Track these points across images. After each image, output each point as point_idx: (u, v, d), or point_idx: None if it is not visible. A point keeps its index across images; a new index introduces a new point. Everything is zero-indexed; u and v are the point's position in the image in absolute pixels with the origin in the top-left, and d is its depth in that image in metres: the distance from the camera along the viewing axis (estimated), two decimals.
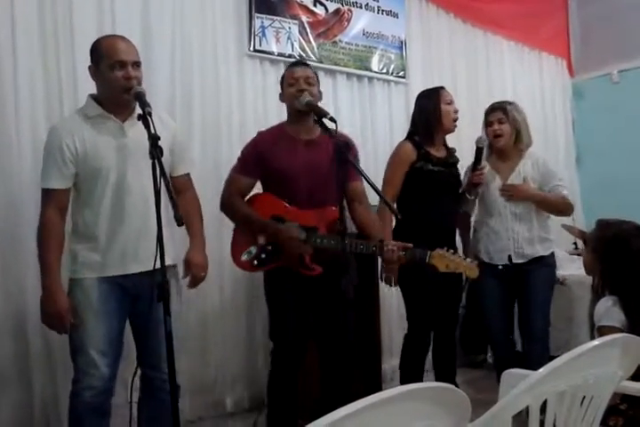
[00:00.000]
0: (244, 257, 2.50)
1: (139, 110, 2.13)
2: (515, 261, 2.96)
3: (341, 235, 2.16)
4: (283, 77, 2.59)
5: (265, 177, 2.55)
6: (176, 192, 2.22)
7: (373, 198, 2.65)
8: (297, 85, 2.48)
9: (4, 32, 2.62)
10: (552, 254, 3.05)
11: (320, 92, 2.59)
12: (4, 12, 2.62)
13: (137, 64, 2.15)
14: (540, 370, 1.22)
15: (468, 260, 2.42)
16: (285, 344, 2.48)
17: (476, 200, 3.08)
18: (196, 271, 2.33)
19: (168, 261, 1.95)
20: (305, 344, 2.50)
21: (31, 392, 2.63)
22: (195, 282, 2.36)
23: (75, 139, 2.09)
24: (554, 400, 1.25)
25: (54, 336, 2.19)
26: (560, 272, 3.45)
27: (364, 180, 2.31)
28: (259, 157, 2.51)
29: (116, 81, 2.09)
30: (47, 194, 2.11)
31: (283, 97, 2.58)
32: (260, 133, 2.63)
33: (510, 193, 2.95)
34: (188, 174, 2.41)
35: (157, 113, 2.14)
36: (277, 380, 2.52)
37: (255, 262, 2.49)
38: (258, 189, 2.62)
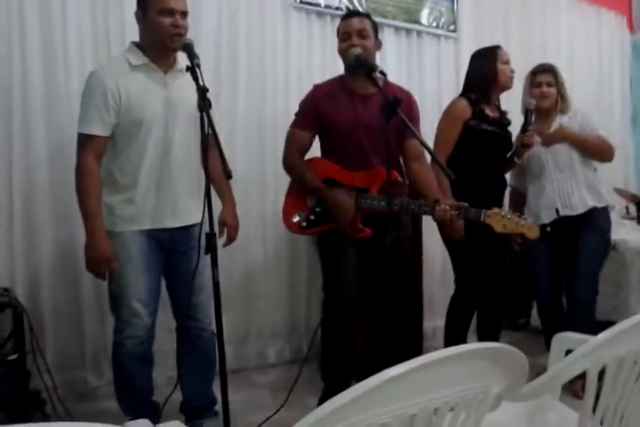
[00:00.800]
0: (296, 219, 2.51)
1: (180, 63, 2.12)
2: (562, 213, 2.88)
3: (389, 195, 2.13)
4: (338, 29, 2.52)
5: (322, 130, 2.51)
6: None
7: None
8: (350, 40, 2.41)
9: None
10: (605, 211, 2.94)
11: (379, 42, 2.52)
12: None
13: (185, 14, 2.11)
14: (601, 335, 1.18)
15: (529, 220, 2.31)
16: (337, 298, 2.48)
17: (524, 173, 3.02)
18: (230, 232, 2.36)
19: (198, 219, 1.94)
20: (356, 298, 2.49)
21: (83, 337, 2.73)
22: (230, 241, 2.39)
23: (119, 87, 2.04)
24: (613, 366, 1.20)
25: (104, 284, 2.22)
26: (612, 237, 3.35)
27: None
28: (316, 111, 2.47)
29: (164, 27, 2.05)
30: (87, 139, 2.05)
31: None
32: (316, 86, 2.58)
33: (548, 139, 2.88)
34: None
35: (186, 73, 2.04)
36: (331, 332, 2.53)
37: (304, 224, 2.50)
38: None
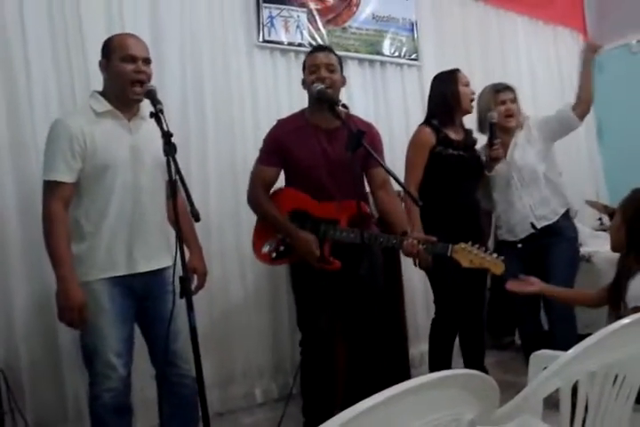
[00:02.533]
0: (265, 249, 2.52)
1: (144, 109, 2.15)
2: (539, 225, 2.94)
3: (360, 228, 2.17)
4: (304, 63, 2.56)
5: (287, 166, 2.54)
6: (167, 196, 2.22)
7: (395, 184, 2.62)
8: (317, 73, 2.45)
9: (15, 34, 2.64)
10: (568, 216, 3.02)
11: (344, 77, 2.58)
12: (13, 13, 2.63)
13: (147, 61, 2.15)
14: (570, 351, 1.20)
15: (494, 255, 2.32)
16: (314, 334, 2.48)
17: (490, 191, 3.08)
18: (200, 278, 2.36)
19: (169, 262, 1.95)
20: (334, 333, 2.50)
21: (63, 392, 2.66)
22: (200, 287, 2.37)
23: (84, 133, 2.04)
24: (585, 381, 1.23)
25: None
26: (585, 249, 3.40)
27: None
28: (280, 147, 2.50)
29: (125, 74, 2.09)
30: (52, 186, 2.03)
31: (304, 84, 2.54)
32: (279, 122, 2.62)
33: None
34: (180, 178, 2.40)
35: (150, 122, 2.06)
36: (311, 370, 2.52)
37: (274, 255, 2.51)
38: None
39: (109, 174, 2.08)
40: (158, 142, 1.91)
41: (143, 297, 2.17)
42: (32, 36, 2.67)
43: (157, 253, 2.17)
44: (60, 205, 2.03)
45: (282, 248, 2.50)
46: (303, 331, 2.54)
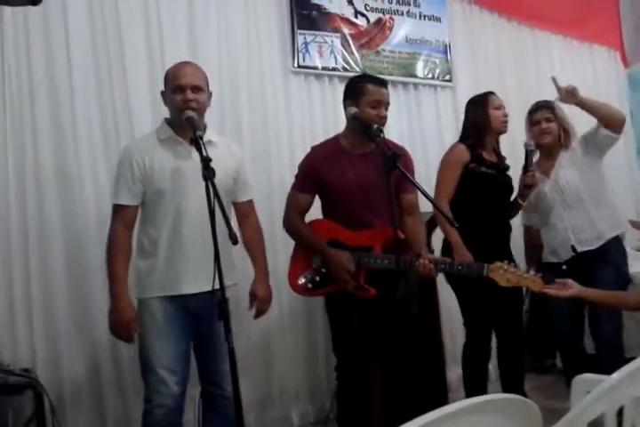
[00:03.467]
0: (301, 280, 2.54)
1: (209, 134, 2.26)
2: (580, 249, 2.85)
3: (397, 253, 2.16)
4: (360, 89, 2.46)
5: (321, 192, 2.57)
6: (239, 218, 2.40)
7: (426, 205, 2.62)
8: (379, 110, 2.43)
9: (61, 65, 2.74)
10: (618, 244, 2.91)
11: None
12: (59, 45, 2.74)
13: (197, 88, 2.22)
14: (614, 375, 1.18)
15: (531, 272, 2.30)
16: (350, 360, 2.47)
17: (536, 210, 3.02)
18: (260, 305, 2.40)
19: (228, 282, 2.01)
20: (369, 360, 2.49)
21: (103, 413, 2.70)
22: (259, 314, 2.43)
23: (145, 159, 2.19)
24: (630, 406, 1.20)
25: (124, 357, 2.25)
26: (628, 269, 3.31)
27: (417, 190, 2.28)
28: (313, 173, 2.53)
29: (175, 104, 2.20)
30: (116, 209, 2.21)
31: (352, 110, 2.43)
32: (313, 148, 2.65)
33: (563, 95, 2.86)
34: (250, 201, 2.48)
35: (225, 140, 2.42)
36: (346, 395, 2.51)
37: (310, 286, 2.52)
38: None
39: (166, 198, 2.18)
40: (225, 167, 2.10)
41: (197, 316, 2.22)
42: (77, 68, 2.78)
43: (207, 275, 2.20)
44: (121, 227, 2.20)
45: (318, 278, 2.51)
46: (339, 357, 2.53)
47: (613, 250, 2.88)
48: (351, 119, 2.43)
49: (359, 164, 2.50)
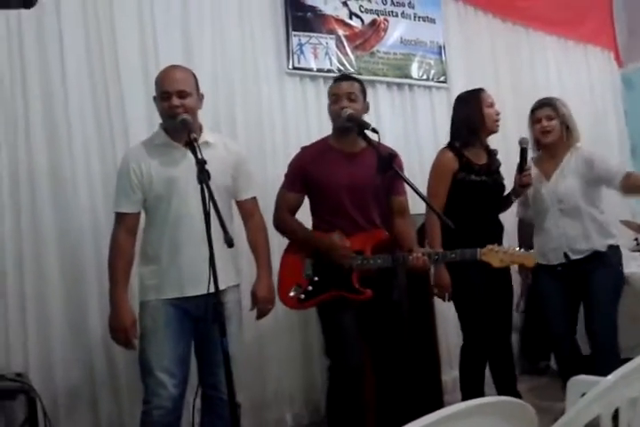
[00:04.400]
0: (292, 293, 2.51)
1: (204, 136, 2.27)
2: (572, 257, 2.85)
3: (393, 251, 2.20)
4: (329, 92, 2.61)
5: (310, 191, 2.58)
6: (244, 217, 2.42)
7: (420, 206, 2.63)
8: (339, 102, 2.49)
9: (55, 67, 2.74)
10: (614, 250, 2.88)
11: (367, 104, 2.60)
12: (53, 48, 2.74)
13: (183, 93, 2.21)
14: (609, 377, 1.17)
15: (522, 250, 2.33)
16: (343, 361, 2.46)
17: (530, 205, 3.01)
18: (262, 306, 2.39)
19: (229, 283, 2.06)
20: (362, 360, 2.48)
21: (98, 417, 2.69)
22: (261, 315, 2.43)
23: (141, 166, 2.20)
24: (626, 408, 1.19)
25: (119, 361, 2.25)
26: (623, 270, 3.32)
27: (410, 191, 2.28)
28: (303, 172, 2.55)
29: (163, 110, 2.23)
30: (117, 217, 2.25)
31: (347, 111, 2.52)
32: (303, 148, 2.66)
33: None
34: (254, 198, 2.48)
35: (222, 139, 2.40)
36: (338, 397, 2.50)
37: (302, 297, 2.50)
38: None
39: (164, 203, 2.20)
40: (222, 168, 2.13)
41: (198, 319, 2.22)
42: (71, 69, 2.77)
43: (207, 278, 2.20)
44: (122, 234, 2.23)
45: (310, 288, 2.49)
46: (332, 359, 2.52)
47: (609, 252, 2.87)
48: (346, 120, 2.42)
49: (349, 163, 2.51)
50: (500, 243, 2.89)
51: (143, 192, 2.22)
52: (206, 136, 2.28)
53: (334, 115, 2.52)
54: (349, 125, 2.43)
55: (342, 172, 2.49)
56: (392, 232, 2.50)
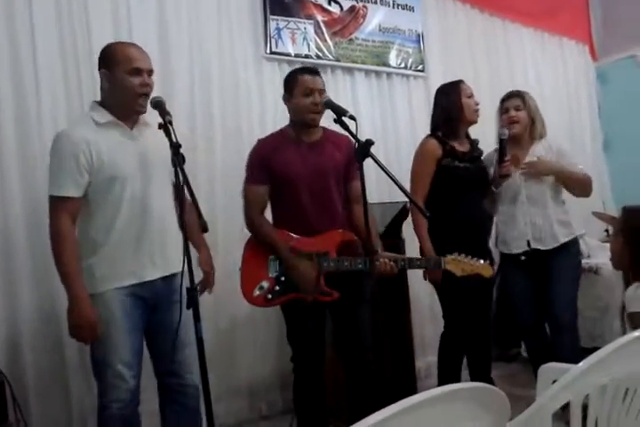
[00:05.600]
0: (257, 292, 2.46)
1: (144, 116, 2.17)
2: (533, 246, 2.90)
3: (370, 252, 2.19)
4: (292, 81, 2.51)
5: (272, 182, 2.50)
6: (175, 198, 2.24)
7: (398, 195, 2.62)
8: (313, 98, 2.44)
9: (25, 47, 2.67)
10: (575, 241, 2.97)
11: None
12: (23, 26, 2.67)
13: (151, 72, 2.15)
14: (580, 364, 1.19)
15: (480, 261, 2.41)
16: (303, 349, 2.48)
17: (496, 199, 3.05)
18: (207, 277, 2.39)
19: (178, 268, 1.93)
20: (323, 348, 2.50)
21: (68, 400, 2.67)
22: (209, 286, 2.41)
23: (90, 147, 2.03)
24: (595, 395, 1.22)
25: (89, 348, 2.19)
26: (593, 260, 3.38)
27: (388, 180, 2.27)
28: (263, 163, 2.48)
29: (133, 87, 2.08)
30: (60, 202, 2.02)
31: (290, 101, 2.51)
32: (260, 140, 2.60)
33: (531, 169, 2.89)
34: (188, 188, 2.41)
35: (153, 119, 2.11)
36: (301, 385, 2.53)
37: (269, 296, 2.46)
38: None
39: (118, 185, 2.07)
40: (163, 146, 1.96)
41: (152, 307, 2.17)
42: (41, 49, 2.70)
43: (165, 260, 2.16)
44: (68, 220, 2.02)
45: (277, 288, 2.46)
46: (293, 346, 2.52)
47: (569, 243, 2.94)
48: (324, 105, 2.39)
49: (309, 152, 2.49)
50: (488, 233, 2.93)
51: (91, 175, 2.03)
52: (145, 117, 2.18)
53: (305, 110, 2.45)
54: (314, 119, 2.45)
55: (303, 161, 2.46)
56: (352, 221, 2.53)
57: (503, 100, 3.05)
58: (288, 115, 3.38)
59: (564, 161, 2.94)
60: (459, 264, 2.39)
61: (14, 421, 2.22)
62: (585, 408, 1.23)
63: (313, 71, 2.55)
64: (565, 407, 1.21)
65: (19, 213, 2.61)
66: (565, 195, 3.02)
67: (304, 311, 2.44)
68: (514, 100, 2.99)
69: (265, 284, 2.46)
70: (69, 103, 2.79)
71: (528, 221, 2.92)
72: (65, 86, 2.78)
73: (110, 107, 2.13)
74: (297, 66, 3.55)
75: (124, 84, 2.08)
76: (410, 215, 2.93)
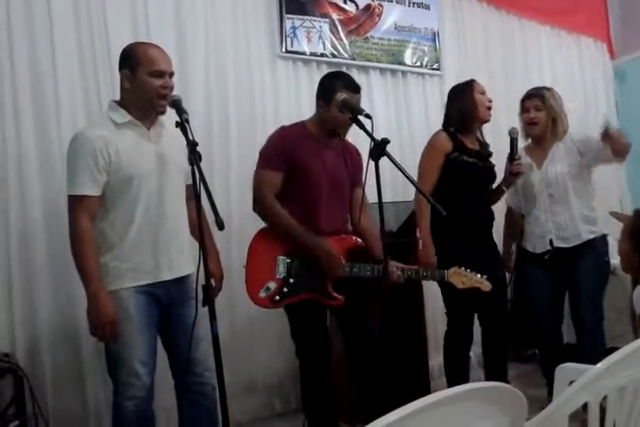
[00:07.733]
0: (263, 294, 2.42)
1: (160, 119, 2.18)
2: (556, 244, 2.87)
3: (385, 257, 2.16)
4: (333, 93, 2.40)
5: (289, 173, 2.44)
6: (188, 198, 2.26)
7: (411, 193, 2.63)
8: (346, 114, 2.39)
9: (44, 47, 2.69)
10: (602, 239, 2.92)
11: None
12: (44, 26, 2.70)
13: (172, 75, 2.17)
14: (599, 365, 1.18)
15: (478, 275, 2.50)
16: (307, 344, 2.50)
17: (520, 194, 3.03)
18: (217, 284, 2.34)
19: (191, 269, 2.00)
20: (327, 342, 2.51)
21: (84, 396, 2.69)
22: (217, 292, 2.36)
23: (108, 146, 2.04)
24: (614, 396, 1.20)
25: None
26: (612, 261, 3.34)
27: (402, 178, 2.25)
28: (285, 151, 2.44)
29: (154, 89, 2.08)
30: (79, 201, 2.03)
31: (326, 111, 2.46)
32: (284, 128, 2.57)
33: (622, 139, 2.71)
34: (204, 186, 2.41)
35: (169, 128, 2.15)
36: (308, 382, 2.53)
37: (277, 298, 2.42)
38: None
39: (134, 184, 2.08)
40: (180, 148, 1.98)
41: (167, 305, 2.18)
42: (59, 51, 2.72)
43: (180, 261, 2.18)
44: (87, 219, 2.03)
45: (286, 290, 2.42)
46: (296, 343, 2.54)
47: (596, 241, 2.89)
48: (341, 104, 2.37)
49: (327, 153, 2.50)
50: (488, 229, 2.92)
51: (109, 174, 2.04)
52: (162, 119, 2.19)
53: (340, 124, 2.44)
54: (345, 133, 2.54)
55: (323, 160, 2.47)
56: (358, 226, 2.55)
57: (523, 100, 3.01)
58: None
59: (594, 140, 2.84)
60: (460, 277, 2.50)
61: (32, 415, 2.25)
62: (603, 410, 1.21)
63: (357, 90, 2.50)
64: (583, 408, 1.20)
65: (38, 215, 2.64)
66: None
67: (306, 307, 2.44)
68: (533, 100, 2.95)
69: (272, 285, 2.42)
70: (88, 105, 2.81)
71: (550, 219, 2.89)
72: (83, 87, 2.80)
73: (129, 107, 2.13)
74: (312, 64, 3.57)
75: (145, 86, 2.09)
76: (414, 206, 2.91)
